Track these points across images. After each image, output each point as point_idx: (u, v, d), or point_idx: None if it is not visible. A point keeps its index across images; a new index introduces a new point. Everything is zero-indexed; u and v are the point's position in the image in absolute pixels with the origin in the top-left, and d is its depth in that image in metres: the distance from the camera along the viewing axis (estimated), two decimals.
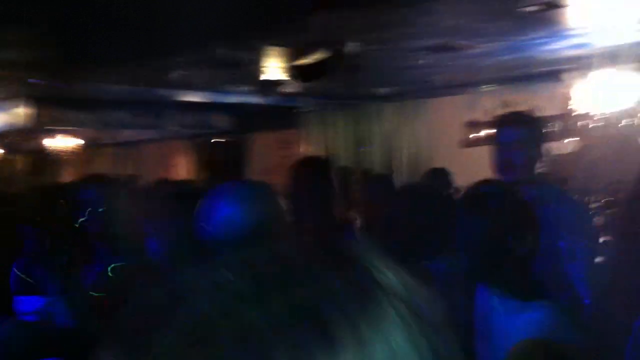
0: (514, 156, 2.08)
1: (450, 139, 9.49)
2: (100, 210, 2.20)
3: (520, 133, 2.10)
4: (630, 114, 7.33)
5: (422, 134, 9.85)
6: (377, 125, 10.16)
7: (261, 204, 1.70)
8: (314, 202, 2.29)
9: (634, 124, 7.67)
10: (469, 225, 1.58)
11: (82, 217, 2.21)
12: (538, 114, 8.39)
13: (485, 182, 1.78)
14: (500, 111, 8.97)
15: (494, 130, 2.22)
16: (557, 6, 4.55)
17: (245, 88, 6.95)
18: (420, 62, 6.16)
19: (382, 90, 8.79)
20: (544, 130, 2.20)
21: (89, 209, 2.19)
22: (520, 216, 1.57)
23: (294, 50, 4.14)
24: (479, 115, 9.23)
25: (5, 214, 3.17)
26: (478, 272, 1.63)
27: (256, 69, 5.58)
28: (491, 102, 9.16)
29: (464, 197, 1.75)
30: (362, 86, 8.36)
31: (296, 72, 4.12)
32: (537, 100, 8.77)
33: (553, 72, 7.46)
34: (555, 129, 8.58)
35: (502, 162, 2.13)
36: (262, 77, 5.54)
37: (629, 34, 5.74)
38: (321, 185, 2.30)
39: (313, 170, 2.37)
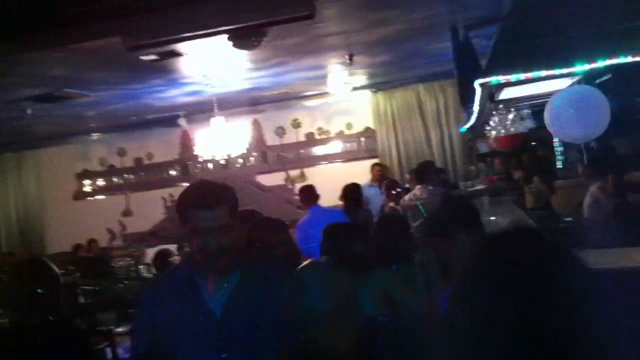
0: (214, 244, 1.59)
1: (62, 190, 8.64)
2: None
3: (221, 214, 1.62)
4: (242, 156, 7.67)
5: (30, 187, 8.74)
6: None
7: None
8: None
9: (245, 165, 8.06)
10: None
11: None
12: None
13: None
14: (116, 160, 8.58)
15: (184, 212, 1.66)
16: (175, 55, 4.38)
17: None
18: (25, 112, 5.36)
19: None
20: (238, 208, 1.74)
21: None
22: None
23: None
24: (94, 165, 8.64)
25: None
26: None
27: None
28: (105, 150, 8.65)
29: None
30: None
31: None
32: (152, 147, 8.59)
33: (170, 119, 7.34)
34: (174, 174, 8.51)
35: (201, 250, 1.61)
36: None
37: (239, 83, 5.94)
38: None
39: None
